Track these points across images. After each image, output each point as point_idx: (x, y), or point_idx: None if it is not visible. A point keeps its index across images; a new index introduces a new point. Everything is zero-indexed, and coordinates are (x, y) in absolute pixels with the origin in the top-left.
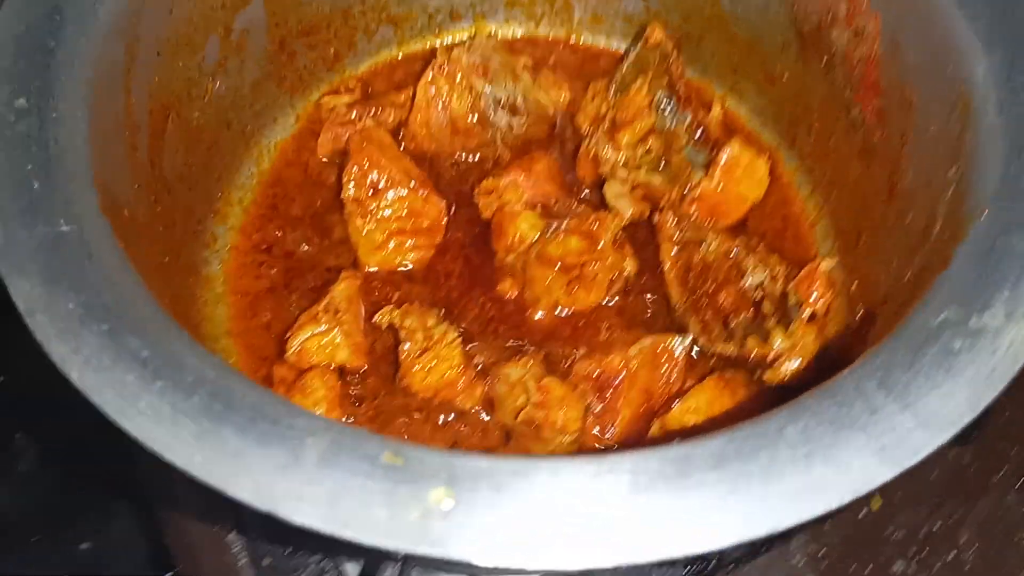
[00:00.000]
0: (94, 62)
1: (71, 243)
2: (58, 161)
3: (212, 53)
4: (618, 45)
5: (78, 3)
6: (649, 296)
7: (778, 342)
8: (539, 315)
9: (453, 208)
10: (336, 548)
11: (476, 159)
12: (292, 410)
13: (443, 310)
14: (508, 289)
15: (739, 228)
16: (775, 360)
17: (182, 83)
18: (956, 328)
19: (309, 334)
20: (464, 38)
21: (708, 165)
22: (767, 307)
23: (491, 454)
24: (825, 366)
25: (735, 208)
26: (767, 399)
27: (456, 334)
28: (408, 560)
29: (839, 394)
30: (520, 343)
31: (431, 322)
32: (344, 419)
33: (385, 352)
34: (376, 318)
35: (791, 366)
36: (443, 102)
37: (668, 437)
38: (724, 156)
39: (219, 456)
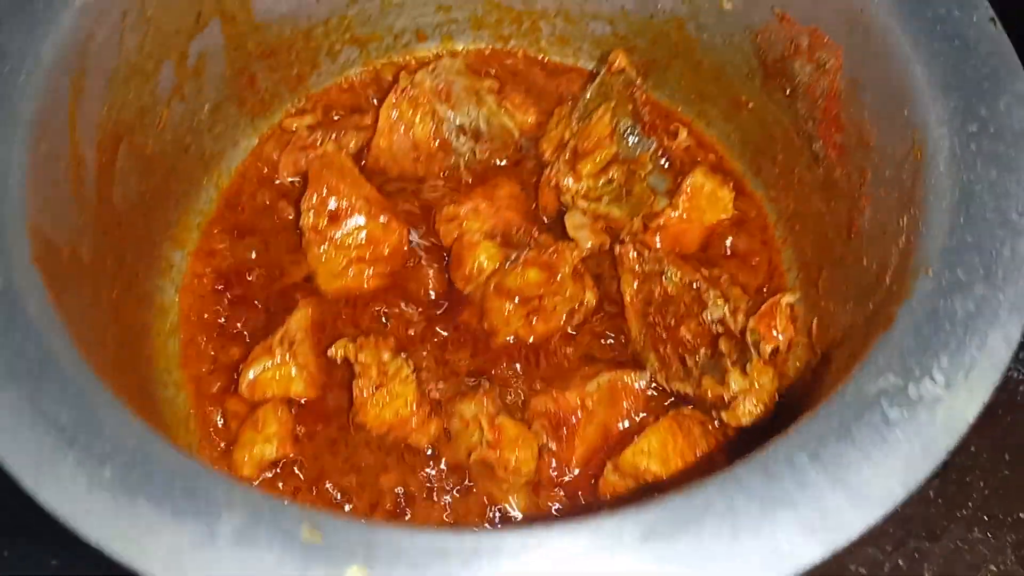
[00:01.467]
0: (35, 98)
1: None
2: None
3: (167, 80)
4: (586, 64)
5: (18, 38)
6: (609, 330)
7: (734, 383)
8: (499, 344)
9: (414, 235)
10: None
11: (439, 184)
12: (211, 480)
13: (399, 342)
14: (468, 319)
15: (703, 259)
16: (732, 400)
17: (134, 112)
18: (893, 396)
19: (262, 368)
20: (431, 57)
21: (672, 193)
22: (724, 346)
23: (413, 529)
24: (787, 405)
25: (699, 236)
26: (725, 440)
27: (410, 370)
28: None
29: (770, 466)
30: (475, 380)
31: (386, 356)
32: (294, 455)
33: (341, 384)
34: (330, 351)
35: (748, 407)
36: (406, 126)
37: (623, 479)
38: (688, 184)
39: (132, 531)
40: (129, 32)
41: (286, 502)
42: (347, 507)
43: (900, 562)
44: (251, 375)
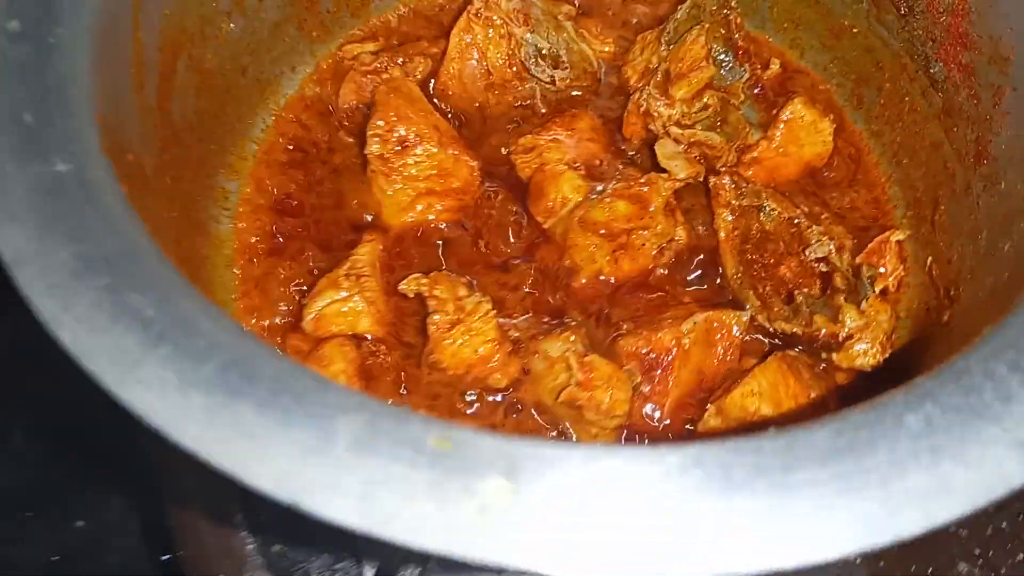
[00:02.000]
0: None
1: (68, 185)
2: (56, 93)
3: None
4: None
5: None
6: (702, 267)
7: (850, 320)
8: (581, 283)
9: (487, 167)
10: (357, 546)
11: (513, 115)
12: (321, 384)
13: (475, 279)
14: (547, 256)
15: (801, 194)
16: (846, 340)
17: (196, 20)
18: None
19: (328, 300)
20: None
21: (767, 125)
22: (838, 281)
23: (556, 442)
24: (895, 356)
25: (797, 171)
26: (835, 385)
27: (490, 306)
28: (428, 561)
29: (964, 377)
30: (559, 319)
31: (463, 292)
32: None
33: (412, 322)
34: (402, 286)
35: (864, 347)
36: (479, 51)
37: (726, 422)
38: (785, 115)
39: (234, 436)
40: None
41: (408, 410)
42: None
43: (1003, 526)
44: (316, 309)
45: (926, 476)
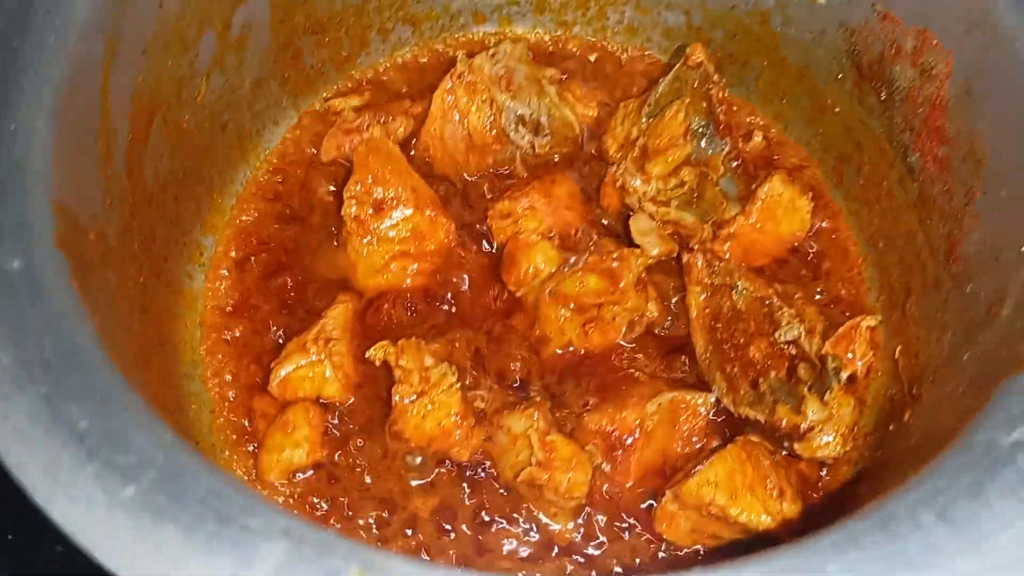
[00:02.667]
0: (66, 61)
1: (16, 284)
2: (11, 183)
3: (207, 51)
4: (656, 57)
5: None
6: (671, 346)
7: (812, 412)
8: (551, 353)
9: (463, 231)
10: None
11: (492, 178)
12: (249, 504)
13: (442, 347)
14: (518, 324)
15: (775, 273)
16: (808, 432)
17: (171, 83)
18: None
19: (295, 365)
20: (490, 42)
21: (745, 200)
22: (803, 372)
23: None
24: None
25: (772, 249)
26: (793, 475)
27: (455, 379)
28: None
29: (891, 523)
30: (525, 390)
31: (429, 362)
32: (325, 462)
33: (379, 389)
34: (369, 353)
35: (826, 440)
36: (460, 114)
37: (683, 509)
38: (763, 192)
39: (158, 562)
40: None
41: (334, 535)
42: (375, 530)
43: None
44: (283, 373)
45: None
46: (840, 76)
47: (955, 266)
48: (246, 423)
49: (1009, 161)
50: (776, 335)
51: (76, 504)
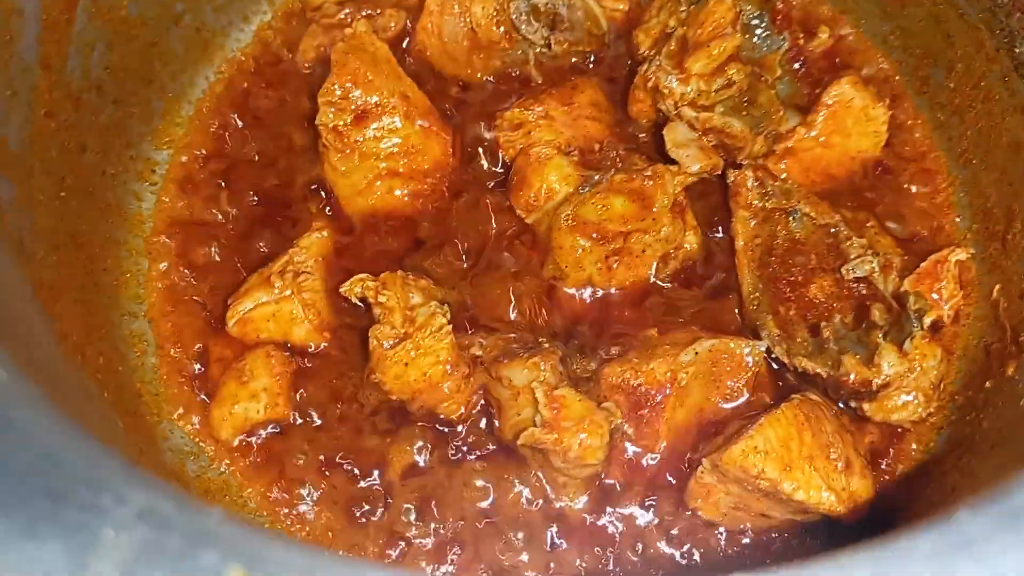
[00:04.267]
0: None
1: None
2: None
3: None
4: None
5: None
6: (714, 281)
7: (888, 364)
8: (565, 293)
9: (464, 145)
10: None
11: (502, 84)
12: (100, 472)
13: (435, 282)
14: (527, 257)
15: (844, 196)
16: (882, 388)
17: None
18: None
19: (257, 302)
20: None
21: (807, 109)
22: (877, 315)
23: None
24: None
25: (840, 169)
26: (863, 446)
27: (446, 319)
28: None
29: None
30: (532, 337)
31: (416, 299)
32: (288, 419)
33: (355, 332)
34: (344, 288)
35: (905, 400)
36: (461, 6)
37: (722, 482)
38: (830, 98)
39: None
40: None
41: (217, 516)
42: (356, 510)
43: None
44: (240, 311)
45: None
46: None
47: None
48: (197, 368)
49: None
50: (843, 271)
51: None
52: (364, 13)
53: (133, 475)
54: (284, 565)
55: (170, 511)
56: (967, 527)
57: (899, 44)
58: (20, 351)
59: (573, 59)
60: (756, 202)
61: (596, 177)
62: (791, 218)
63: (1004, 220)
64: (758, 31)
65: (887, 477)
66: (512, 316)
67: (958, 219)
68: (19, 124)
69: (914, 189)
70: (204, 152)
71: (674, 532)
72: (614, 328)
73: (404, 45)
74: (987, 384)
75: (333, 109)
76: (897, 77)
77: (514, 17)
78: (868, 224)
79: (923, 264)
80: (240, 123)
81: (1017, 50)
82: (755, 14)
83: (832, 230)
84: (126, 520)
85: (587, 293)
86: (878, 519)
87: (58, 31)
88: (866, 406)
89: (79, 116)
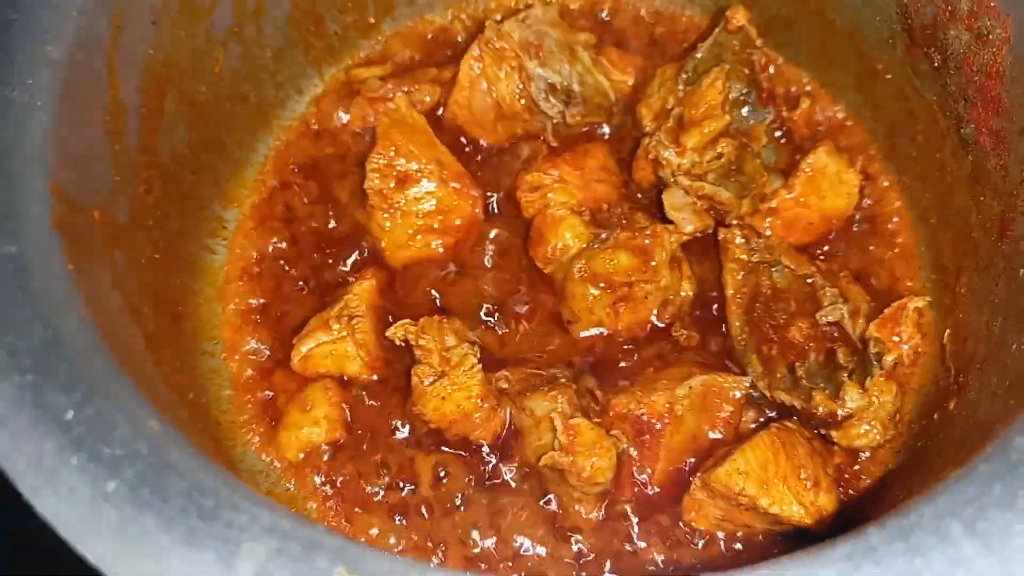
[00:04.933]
0: (66, 38)
1: (7, 267)
2: (4, 163)
3: (223, 20)
4: (695, 16)
5: None
6: (705, 327)
7: (850, 399)
8: (579, 335)
9: (490, 204)
10: None
11: (523, 147)
12: (236, 498)
13: (469, 322)
14: (546, 303)
15: (819, 251)
16: (846, 419)
17: (186, 55)
18: None
19: (318, 342)
20: (520, 4)
21: (789, 172)
22: (843, 357)
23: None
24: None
25: (817, 226)
26: (831, 464)
27: (476, 359)
28: None
29: (915, 533)
30: (551, 371)
31: (451, 341)
32: (344, 441)
33: (402, 367)
34: (389, 332)
35: (864, 428)
36: (488, 82)
37: (712, 497)
38: (808, 163)
39: (138, 556)
40: None
41: (321, 531)
42: (397, 519)
43: None
44: (304, 349)
45: None
46: (891, 40)
47: (1007, 246)
48: (267, 397)
49: None
50: (818, 316)
51: (59, 496)
52: (404, 89)
53: (259, 498)
54: (379, 567)
55: (288, 525)
56: (872, 538)
57: (870, 116)
58: (153, 398)
59: (585, 128)
60: (743, 256)
61: (604, 235)
62: (774, 269)
63: (955, 274)
64: (746, 105)
65: (852, 492)
66: (536, 351)
67: (920, 270)
68: (126, 202)
69: (882, 244)
70: (265, 209)
71: (673, 538)
72: (620, 364)
73: (438, 114)
74: (935, 416)
75: (379, 175)
76: (868, 145)
77: (534, 94)
78: (841, 274)
79: (887, 310)
80: (295, 183)
81: (963, 131)
82: (744, 91)
83: (809, 280)
84: (258, 533)
85: (597, 333)
86: (848, 527)
87: (153, 119)
88: (833, 434)
89: (167, 187)
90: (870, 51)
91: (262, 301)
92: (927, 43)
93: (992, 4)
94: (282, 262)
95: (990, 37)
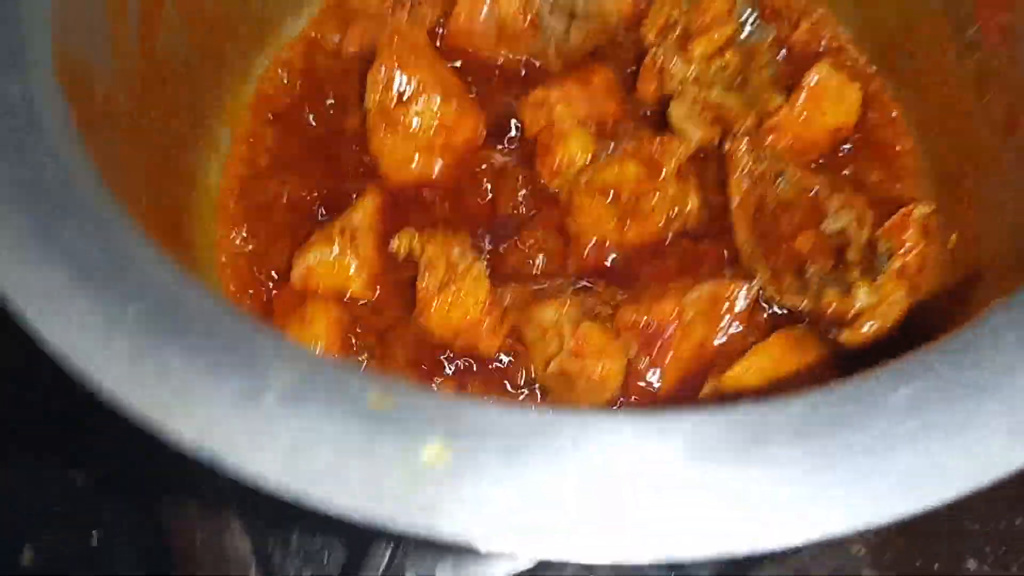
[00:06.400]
0: None
1: (16, 108)
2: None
3: None
4: None
5: None
6: (711, 238)
7: (862, 296)
8: (585, 248)
9: (495, 122)
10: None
11: (524, 67)
12: (258, 333)
13: (471, 238)
14: (551, 218)
15: (823, 163)
16: (856, 318)
17: None
18: None
19: (320, 256)
20: None
21: (791, 89)
22: (852, 254)
23: (507, 405)
24: (914, 332)
25: (819, 140)
26: (842, 365)
27: (483, 266)
28: (401, 542)
29: (971, 349)
30: (556, 282)
31: (456, 251)
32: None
33: (403, 284)
34: (393, 243)
35: (875, 326)
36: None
37: (724, 401)
38: (810, 80)
39: (157, 384)
40: None
41: (351, 365)
42: None
43: (1016, 523)
44: (305, 263)
45: (914, 456)
46: None
47: (1017, 138)
48: (264, 313)
49: None
50: (823, 226)
51: (71, 327)
52: (406, 5)
53: (282, 336)
54: (411, 391)
55: (311, 356)
56: (925, 357)
57: (869, 31)
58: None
59: (589, 48)
60: (749, 166)
61: (611, 147)
62: (780, 179)
63: (958, 177)
64: (749, 21)
65: None
66: (538, 266)
67: (923, 180)
68: (127, 91)
69: (884, 156)
70: (264, 129)
71: None
72: (628, 276)
73: (439, 32)
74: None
75: (379, 92)
76: (869, 61)
77: (538, 10)
78: (843, 187)
79: (893, 217)
80: (295, 102)
81: (968, 33)
82: (747, 8)
83: (813, 190)
84: (285, 359)
85: (604, 245)
86: None
87: (154, 15)
88: (843, 333)
89: (165, 92)
90: None
91: (257, 221)
92: None
93: None
94: (278, 183)
95: None
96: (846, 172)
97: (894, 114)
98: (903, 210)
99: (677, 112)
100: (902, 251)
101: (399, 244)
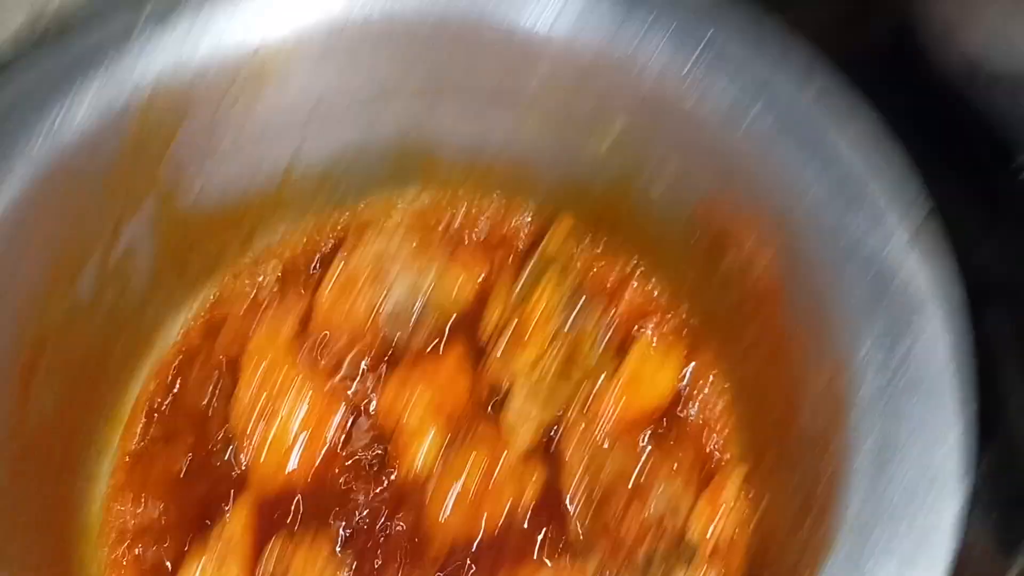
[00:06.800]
0: None
1: None
2: None
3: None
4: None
5: None
6: (553, 520)
7: None
8: (438, 536)
9: (352, 417)
10: None
11: (378, 364)
12: None
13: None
14: (409, 513)
15: (648, 434)
16: None
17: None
18: None
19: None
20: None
21: (617, 365)
22: (669, 537)
23: None
24: None
25: (645, 411)
26: None
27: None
28: None
29: None
30: None
31: (319, 564)
32: None
33: None
34: (263, 560)
35: None
36: (342, 306)
37: None
38: (628, 363)
39: None
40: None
41: None
42: None
43: None
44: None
45: None
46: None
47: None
48: None
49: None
50: (646, 508)
51: None
52: (274, 302)
53: None
54: None
55: None
56: None
57: (689, 301)
58: None
59: (434, 341)
60: (582, 448)
61: (457, 440)
62: (608, 460)
63: (764, 449)
64: (575, 308)
65: None
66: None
67: (738, 446)
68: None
69: (704, 424)
70: (138, 450)
71: None
72: (481, 562)
73: (301, 334)
74: None
75: (245, 399)
76: (691, 327)
77: (383, 313)
78: (665, 463)
79: (705, 493)
80: (169, 417)
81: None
82: (571, 294)
83: (638, 466)
84: None
85: (455, 535)
86: None
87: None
88: None
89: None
90: (680, 250)
91: (140, 543)
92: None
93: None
94: (154, 503)
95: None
96: (670, 441)
97: (716, 385)
98: (714, 482)
99: (512, 408)
100: (708, 533)
101: (268, 560)
